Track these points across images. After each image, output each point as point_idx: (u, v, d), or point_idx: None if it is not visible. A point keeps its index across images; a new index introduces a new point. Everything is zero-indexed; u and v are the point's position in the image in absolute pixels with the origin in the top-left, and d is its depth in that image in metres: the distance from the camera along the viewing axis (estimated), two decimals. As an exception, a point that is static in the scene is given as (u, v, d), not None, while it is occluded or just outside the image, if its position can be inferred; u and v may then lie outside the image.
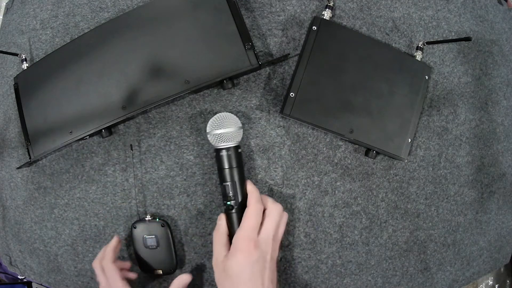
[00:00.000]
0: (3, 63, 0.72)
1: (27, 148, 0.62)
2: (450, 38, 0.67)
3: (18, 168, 0.64)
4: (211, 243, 0.61)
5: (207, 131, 0.55)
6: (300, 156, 0.62)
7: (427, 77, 0.63)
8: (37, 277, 0.67)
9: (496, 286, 0.85)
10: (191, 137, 0.62)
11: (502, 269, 0.85)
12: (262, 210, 0.51)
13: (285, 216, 0.53)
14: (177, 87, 0.56)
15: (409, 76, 0.61)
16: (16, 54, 0.66)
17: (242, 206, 0.54)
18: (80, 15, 0.67)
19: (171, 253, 0.60)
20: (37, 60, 0.66)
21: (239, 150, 0.56)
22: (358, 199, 0.63)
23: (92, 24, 0.66)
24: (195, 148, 0.62)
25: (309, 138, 0.62)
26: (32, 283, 0.78)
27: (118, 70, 0.58)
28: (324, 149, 0.62)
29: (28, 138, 0.62)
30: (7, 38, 0.72)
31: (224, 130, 0.53)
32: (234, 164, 0.54)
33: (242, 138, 0.56)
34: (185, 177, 0.62)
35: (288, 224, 0.61)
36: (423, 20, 0.66)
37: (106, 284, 0.53)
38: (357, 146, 0.62)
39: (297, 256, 0.62)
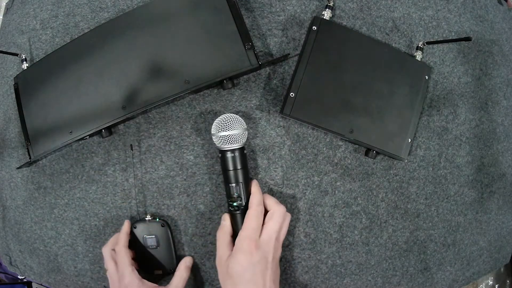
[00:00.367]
0: (3, 63, 0.72)
1: (27, 148, 0.62)
2: (450, 38, 0.67)
3: (18, 168, 0.64)
4: (211, 243, 0.61)
5: (212, 132, 0.55)
6: (300, 156, 0.62)
7: (427, 77, 0.63)
8: (37, 277, 0.67)
9: (496, 286, 0.85)
10: (191, 137, 0.62)
11: (502, 269, 0.85)
12: (263, 212, 0.51)
13: (288, 217, 0.53)
14: (177, 87, 0.56)
15: (409, 76, 0.61)
16: (16, 54, 0.66)
17: (247, 207, 0.54)
18: (80, 15, 0.67)
19: (171, 253, 0.60)
20: (37, 60, 0.66)
21: (244, 152, 0.56)
22: (358, 199, 0.63)
23: (92, 24, 0.66)
24: (195, 148, 0.62)
25: (309, 138, 0.62)
26: (32, 283, 0.78)
27: (118, 70, 0.58)
28: (324, 149, 0.62)
29: (28, 138, 0.62)
30: (7, 38, 0.72)
31: (229, 132, 0.53)
32: (239, 166, 0.55)
33: (243, 138, 0.56)
34: (185, 177, 0.62)
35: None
36: (423, 20, 0.66)
37: (114, 270, 0.53)
38: (357, 146, 0.62)
39: (297, 256, 0.62)
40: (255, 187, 0.53)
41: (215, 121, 0.55)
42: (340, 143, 0.62)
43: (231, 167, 0.55)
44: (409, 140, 0.61)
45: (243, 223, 0.51)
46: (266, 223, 0.51)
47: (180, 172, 0.62)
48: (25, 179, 0.67)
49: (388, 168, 0.64)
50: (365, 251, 0.63)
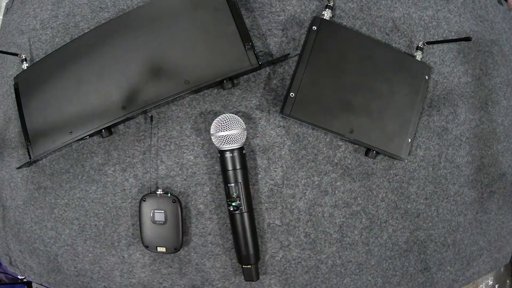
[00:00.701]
0: (3, 63, 0.72)
1: (27, 148, 0.62)
2: (450, 38, 0.67)
3: (18, 168, 0.64)
4: (211, 243, 0.61)
5: (211, 132, 0.55)
6: (300, 156, 0.62)
7: (427, 77, 0.63)
8: (37, 277, 0.67)
9: (496, 286, 0.85)
10: (191, 137, 0.62)
11: (502, 269, 0.85)
12: None
13: None
14: (177, 87, 0.56)
15: (409, 76, 0.61)
16: (16, 54, 0.66)
17: (246, 207, 0.54)
18: (80, 15, 0.67)
19: (178, 231, 0.58)
20: (37, 60, 0.66)
21: (243, 152, 0.56)
22: (358, 199, 0.63)
23: (92, 24, 0.66)
24: (195, 148, 0.62)
25: (309, 138, 0.62)
26: (32, 283, 0.78)
27: (118, 70, 0.58)
28: (324, 149, 0.62)
29: (28, 138, 0.62)
30: (7, 38, 0.72)
31: (228, 132, 0.53)
32: (238, 166, 0.55)
33: (242, 138, 0.56)
34: (185, 177, 0.62)
35: (288, 224, 0.61)
36: (423, 20, 0.66)
37: None
38: (357, 146, 0.62)
39: (297, 256, 0.62)
40: None
41: (214, 121, 0.55)
42: (340, 143, 0.62)
43: (230, 167, 0.55)
44: (409, 140, 0.61)
45: None
46: None
47: (180, 172, 0.62)
48: (25, 179, 0.67)
49: (388, 168, 0.64)
50: (365, 251, 0.63)
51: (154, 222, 0.57)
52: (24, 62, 0.66)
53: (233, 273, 0.61)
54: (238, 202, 0.55)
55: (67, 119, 0.60)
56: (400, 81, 0.61)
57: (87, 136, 0.59)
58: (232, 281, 0.61)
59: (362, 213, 0.63)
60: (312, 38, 0.59)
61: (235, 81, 0.60)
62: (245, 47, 0.56)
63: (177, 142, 0.62)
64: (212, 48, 0.57)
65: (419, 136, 0.64)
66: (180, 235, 0.58)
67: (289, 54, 0.61)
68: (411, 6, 0.66)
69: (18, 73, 0.66)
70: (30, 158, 0.62)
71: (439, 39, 0.66)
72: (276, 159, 0.61)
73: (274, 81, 0.62)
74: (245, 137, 0.55)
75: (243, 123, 0.55)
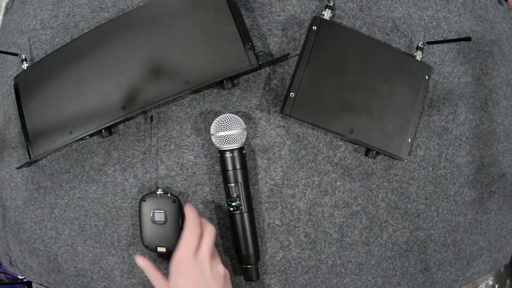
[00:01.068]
0: (3, 63, 0.72)
1: (27, 148, 0.62)
2: (450, 38, 0.67)
3: (18, 168, 0.64)
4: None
5: (211, 132, 0.55)
6: (300, 156, 0.62)
7: (427, 77, 0.63)
8: (37, 277, 0.67)
9: (496, 286, 0.85)
10: (191, 137, 0.62)
11: (502, 269, 0.85)
12: (199, 232, 0.50)
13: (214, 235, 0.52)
14: (177, 87, 0.56)
15: (409, 76, 0.61)
16: (16, 54, 0.66)
17: (246, 207, 0.54)
18: (80, 15, 0.67)
19: (178, 231, 0.57)
20: (37, 60, 0.66)
21: (243, 152, 0.56)
22: (358, 199, 0.63)
23: (92, 24, 0.66)
24: (195, 148, 0.62)
25: (309, 138, 0.62)
26: (32, 283, 0.78)
27: (118, 70, 0.58)
28: (324, 149, 0.62)
29: (28, 138, 0.62)
30: (7, 38, 0.72)
31: (228, 132, 0.53)
32: (238, 166, 0.55)
33: (242, 138, 0.56)
34: (185, 177, 0.62)
35: (288, 224, 0.61)
36: (423, 20, 0.66)
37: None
38: (357, 146, 0.62)
39: (297, 256, 0.62)
40: (189, 208, 0.51)
41: (214, 121, 0.55)
42: (340, 143, 0.62)
43: (230, 167, 0.55)
44: (409, 140, 0.61)
45: (178, 244, 0.49)
46: (200, 243, 0.50)
47: (180, 172, 0.62)
48: (25, 179, 0.67)
49: (388, 168, 0.64)
50: (365, 251, 0.63)
51: (154, 222, 0.57)
52: (24, 62, 0.66)
53: (233, 273, 0.61)
54: (238, 202, 0.55)
55: (67, 119, 0.60)
56: (400, 81, 0.61)
57: (87, 136, 0.59)
58: (232, 281, 0.61)
59: (362, 213, 0.63)
60: (312, 38, 0.59)
61: (235, 81, 0.60)
62: (245, 47, 0.56)
63: (177, 142, 0.62)
64: (212, 48, 0.57)
65: (419, 136, 0.64)
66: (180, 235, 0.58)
67: (289, 54, 0.61)
68: (411, 6, 0.66)
69: (18, 73, 0.66)
70: (30, 158, 0.62)
71: (439, 39, 0.66)
72: (276, 159, 0.61)
73: (274, 81, 0.62)
74: (245, 137, 0.56)
75: (243, 123, 0.55)
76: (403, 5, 0.66)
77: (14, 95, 0.65)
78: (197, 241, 0.50)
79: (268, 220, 0.61)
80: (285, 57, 0.61)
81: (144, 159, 0.62)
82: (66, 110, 0.60)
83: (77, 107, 0.59)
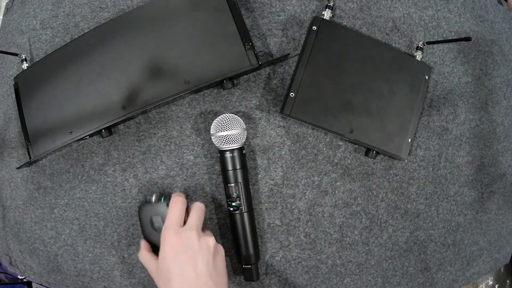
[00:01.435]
0: (3, 63, 0.72)
1: (27, 148, 0.62)
2: (450, 38, 0.67)
3: (18, 168, 0.64)
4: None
5: (211, 132, 0.55)
6: (300, 156, 0.62)
7: (427, 77, 0.63)
8: (37, 277, 0.67)
9: (496, 286, 0.85)
10: (191, 137, 0.62)
11: (502, 269, 0.85)
12: (183, 203, 0.51)
13: (203, 210, 0.53)
14: (177, 87, 0.56)
15: (409, 76, 0.61)
16: (16, 54, 0.66)
17: (246, 207, 0.54)
18: (80, 15, 0.67)
19: None
20: (37, 60, 0.66)
21: (243, 152, 0.56)
22: (358, 199, 0.63)
23: (92, 24, 0.66)
24: (195, 148, 0.62)
25: (309, 138, 0.62)
26: (32, 283, 0.78)
27: (118, 70, 0.58)
28: (324, 149, 0.62)
29: (28, 138, 0.62)
30: (7, 38, 0.72)
31: (228, 132, 0.53)
32: (238, 166, 0.55)
33: (242, 138, 0.56)
34: (185, 177, 0.62)
35: (288, 224, 0.61)
36: (423, 20, 0.66)
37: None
38: (357, 146, 0.62)
39: (297, 256, 0.62)
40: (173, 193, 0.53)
41: (214, 121, 0.55)
42: (340, 143, 0.62)
43: (230, 167, 0.55)
44: (409, 140, 0.61)
45: (166, 218, 0.50)
46: (188, 216, 0.51)
47: (180, 172, 0.62)
48: (25, 179, 0.67)
49: (388, 168, 0.64)
50: (365, 251, 0.63)
51: (154, 228, 0.57)
52: (24, 62, 0.66)
53: (233, 273, 0.61)
54: (238, 202, 0.55)
55: (67, 119, 0.60)
56: (400, 81, 0.61)
57: (87, 136, 0.59)
58: (232, 281, 0.61)
59: (362, 213, 0.63)
60: (312, 38, 0.59)
61: (235, 81, 0.60)
62: (245, 47, 0.56)
63: (177, 142, 0.62)
64: (212, 48, 0.57)
65: (419, 136, 0.64)
66: None
67: (289, 54, 0.61)
68: (411, 6, 0.66)
69: (18, 73, 0.66)
70: (30, 158, 0.62)
71: (439, 39, 0.66)
72: (276, 159, 0.61)
73: (274, 81, 0.62)
74: (245, 137, 0.56)
75: (243, 123, 0.56)
76: (403, 5, 0.66)
77: (14, 95, 0.65)
78: (182, 212, 0.51)
79: (268, 220, 0.61)
80: (285, 57, 0.61)
81: (144, 159, 0.62)
82: (66, 110, 0.60)
83: (77, 107, 0.59)
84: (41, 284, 0.69)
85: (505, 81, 0.70)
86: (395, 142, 0.60)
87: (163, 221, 0.54)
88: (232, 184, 0.55)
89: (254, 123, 0.62)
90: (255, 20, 0.63)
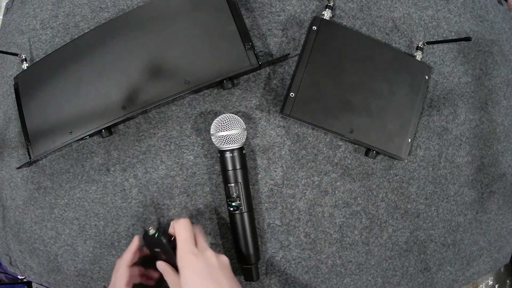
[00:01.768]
0: (3, 63, 0.72)
1: (27, 148, 0.62)
2: (450, 38, 0.67)
3: (18, 168, 0.64)
4: (211, 243, 0.61)
5: (211, 132, 0.55)
6: (300, 156, 0.62)
7: (427, 77, 0.63)
8: (37, 277, 0.67)
9: (496, 286, 0.85)
10: (191, 137, 0.62)
11: (502, 269, 0.85)
12: (190, 227, 0.51)
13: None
14: (177, 87, 0.56)
15: (409, 76, 0.61)
16: (16, 54, 0.66)
17: (246, 207, 0.54)
18: (80, 15, 0.67)
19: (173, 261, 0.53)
20: (37, 60, 0.66)
21: (243, 152, 0.56)
22: (358, 199, 0.63)
23: (92, 24, 0.66)
24: (195, 148, 0.62)
25: (309, 138, 0.62)
26: (32, 283, 0.78)
27: (118, 70, 0.58)
28: (324, 149, 0.62)
29: (28, 138, 0.62)
30: (7, 38, 0.72)
31: (228, 132, 0.53)
32: (238, 166, 0.55)
33: (242, 138, 0.56)
34: (185, 177, 0.62)
35: (288, 224, 0.61)
36: (423, 20, 0.66)
37: (112, 285, 0.52)
38: (357, 146, 0.62)
39: (297, 256, 0.62)
40: (173, 221, 0.52)
41: (214, 121, 0.55)
42: (340, 143, 0.62)
43: (230, 167, 0.55)
44: (409, 140, 0.61)
45: (177, 242, 0.49)
46: (195, 238, 0.51)
47: (180, 172, 0.62)
48: (25, 179, 0.67)
49: (388, 168, 0.64)
50: (365, 251, 0.63)
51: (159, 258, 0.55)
52: (24, 62, 0.66)
53: (233, 273, 0.61)
54: (238, 202, 0.55)
55: (67, 119, 0.60)
56: (400, 81, 0.61)
57: (87, 136, 0.59)
58: (232, 281, 0.61)
59: (362, 213, 0.63)
60: (312, 38, 0.59)
61: (235, 81, 0.60)
62: (245, 47, 0.56)
63: (177, 142, 0.62)
64: (212, 48, 0.57)
65: (419, 136, 0.64)
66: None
67: (289, 54, 0.61)
68: (411, 6, 0.66)
69: (18, 73, 0.66)
70: (30, 158, 0.62)
71: (439, 39, 0.66)
72: (276, 159, 0.61)
73: (274, 81, 0.62)
74: (245, 137, 0.56)
75: (243, 123, 0.55)
76: (403, 5, 0.66)
77: (14, 95, 0.65)
78: (192, 235, 0.50)
79: (268, 220, 0.61)
80: (285, 57, 0.61)
81: (144, 159, 0.62)
82: (66, 110, 0.60)
83: (77, 107, 0.59)
84: (41, 284, 0.69)
85: (505, 81, 0.70)
86: (395, 142, 0.60)
87: (164, 253, 0.52)
88: (232, 184, 0.55)
89: (254, 123, 0.62)
90: (255, 20, 0.63)
